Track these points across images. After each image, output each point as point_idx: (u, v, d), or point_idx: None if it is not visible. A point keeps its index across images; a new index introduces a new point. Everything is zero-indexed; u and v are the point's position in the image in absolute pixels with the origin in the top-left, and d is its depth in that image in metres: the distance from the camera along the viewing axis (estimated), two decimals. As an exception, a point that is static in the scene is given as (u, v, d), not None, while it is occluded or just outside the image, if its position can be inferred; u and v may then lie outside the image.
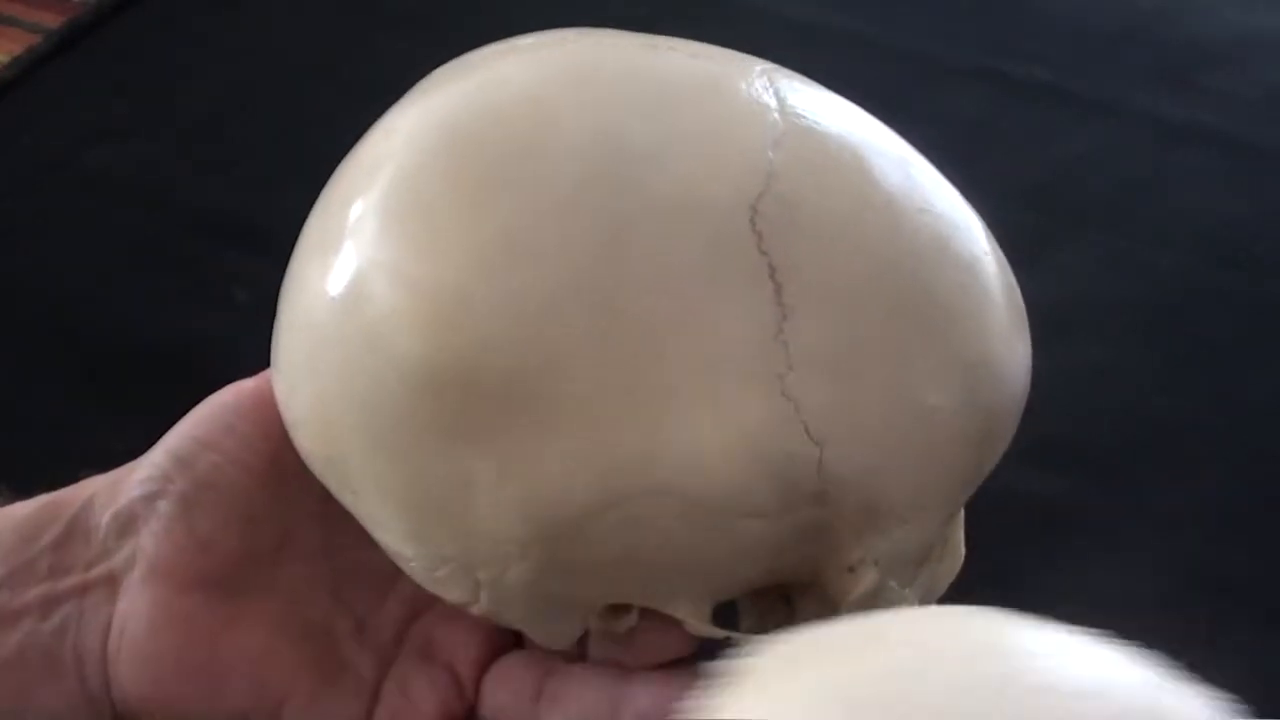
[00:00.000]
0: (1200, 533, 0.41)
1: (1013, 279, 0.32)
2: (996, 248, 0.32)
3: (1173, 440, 0.43)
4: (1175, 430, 0.43)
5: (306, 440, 0.31)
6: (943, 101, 0.56)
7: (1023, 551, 0.40)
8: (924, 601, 0.31)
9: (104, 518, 0.32)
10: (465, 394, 0.28)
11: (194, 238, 0.53)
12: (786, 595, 0.31)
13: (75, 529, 0.32)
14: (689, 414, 0.27)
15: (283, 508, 0.33)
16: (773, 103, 0.30)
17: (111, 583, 0.31)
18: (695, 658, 0.31)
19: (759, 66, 0.31)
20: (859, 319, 0.28)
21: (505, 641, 0.32)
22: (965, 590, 0.39)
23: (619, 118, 0.29)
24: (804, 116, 0.30)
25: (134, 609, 0.31)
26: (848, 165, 0.30)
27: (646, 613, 0.29)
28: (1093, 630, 0.23)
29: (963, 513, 0.33)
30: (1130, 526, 0.41)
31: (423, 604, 0.33)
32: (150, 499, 0.32)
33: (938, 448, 0.29)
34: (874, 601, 0.29)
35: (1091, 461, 0.43)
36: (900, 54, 0.58)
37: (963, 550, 0.33)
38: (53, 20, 0.67)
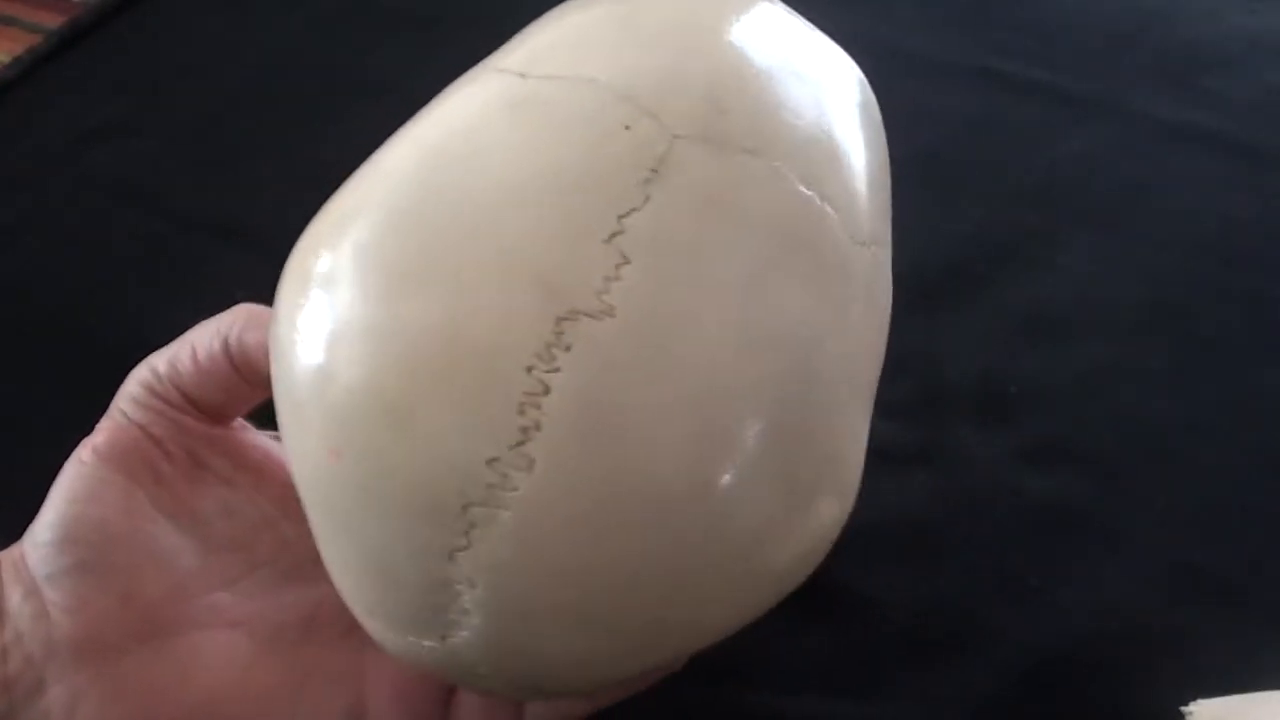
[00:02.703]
0: (1200, 533, 0.40)
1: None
2: None
3: (1173, 440, 0.43)
4: (1176, 430, 0.43)
5: None
6: (942, 101, 0.56)
7: (1023, 551, 0.40)
8: None
9: (13, 601, 0.31)
10: None
11: (194, 238, 0.53)
12: None
13: None
14: None
15: (186, 533, 0.32)
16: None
17: (32, 668, 0.30)
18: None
19: None
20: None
21: None
22: (965, 587, 0.40)
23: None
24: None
25: (77, 690, 0.30)
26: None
27: None
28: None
29: None
30: (1131, 526, 0.41)
31: None
32: (51, 578, 0.30)
33: None
34: None
35: (1092, 461, 0.43)
36: (900, 54, 0.58)
37: None
38: (53, 20, 0.67)
